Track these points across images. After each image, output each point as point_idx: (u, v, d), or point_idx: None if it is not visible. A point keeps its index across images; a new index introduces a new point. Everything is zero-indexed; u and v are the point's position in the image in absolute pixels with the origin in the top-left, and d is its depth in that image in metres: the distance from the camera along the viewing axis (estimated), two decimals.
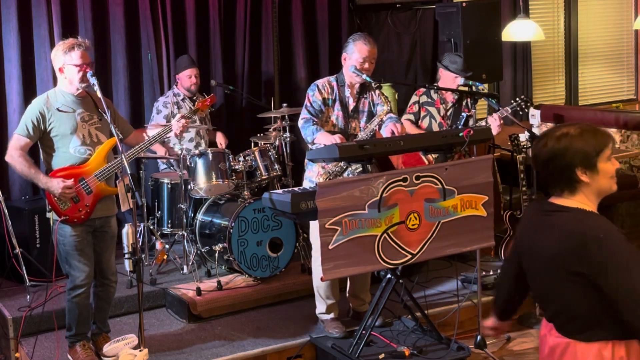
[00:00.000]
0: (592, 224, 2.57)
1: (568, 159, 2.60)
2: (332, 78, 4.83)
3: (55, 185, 4.19)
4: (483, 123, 5.35)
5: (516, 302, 2.99)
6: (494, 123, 5.30)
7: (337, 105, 4.77)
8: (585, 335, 2.59)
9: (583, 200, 2.64)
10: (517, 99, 5.68)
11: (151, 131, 4.64)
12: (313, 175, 4.75)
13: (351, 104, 4.80)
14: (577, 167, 2.60)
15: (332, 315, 4.78)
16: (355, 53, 4.70)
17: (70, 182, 4.22)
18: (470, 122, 5.01)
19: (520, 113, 5.75)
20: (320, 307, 4.81)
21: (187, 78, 6.08)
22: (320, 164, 4.73)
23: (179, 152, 5.51)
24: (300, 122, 4.73)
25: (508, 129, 6.00)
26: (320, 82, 4.81)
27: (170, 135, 4.60)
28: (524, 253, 2.79)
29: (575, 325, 2.61)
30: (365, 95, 4.84)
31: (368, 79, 4.69)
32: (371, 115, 4.83)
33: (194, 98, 6.06)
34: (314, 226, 4.68)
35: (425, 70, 7.37)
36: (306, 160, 4.86)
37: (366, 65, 4.70)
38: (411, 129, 5.47)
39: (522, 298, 2.97)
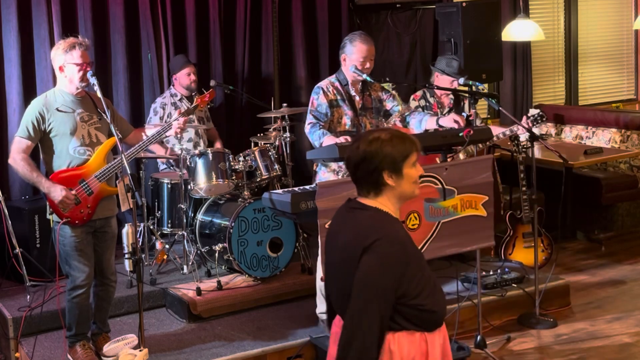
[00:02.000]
0: (380, 224, 2.73)
1: (376, 162, 2.73)
2: (332, 79, 4.82)
3: (58, 192, 4.18)
4: (501, 135, 5.40)
5: None
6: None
7: (346, 105, 4.77)
8: None
9: (384, 202, 2.79)
10: (535, 114, 5.67)
11: (150, 130, 4.63)
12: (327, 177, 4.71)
13: (358, 102, 4.81)
14: (384, 171, 2.74)
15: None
16: (355, 53, 4.70)
17: (72, 192, 4.21)
18: (478, 122, 5.03)
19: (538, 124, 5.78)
20: (322, 306, 4.81)
21: (185, 76, 6.08)
22: (331, 169, 4.71)
23: (179, 152, 5.51)
24: (306, 128, 4.70)
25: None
26: (323, 84, 4.79)
27: (170, 135, 4.59)
28: (327, 251, 2.92)
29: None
30: (367, 92, 4.85)
31: (369, 78, 4.70)
32: (378, 111, 4.85)
33: (193, 95, 6.05)
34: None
35: (425, 70, 7.37)
36: (316, 165, 4.84)
37: (367, 65, 4.71)
38: None
39: None
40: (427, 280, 2.75)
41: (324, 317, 4.80)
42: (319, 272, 4.62)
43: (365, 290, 2.65)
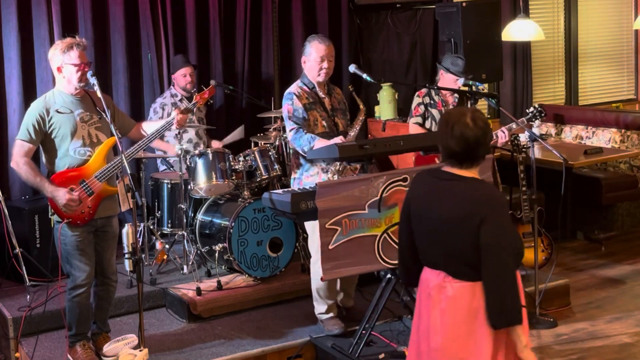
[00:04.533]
0: (490, 193, 3.09)
1: (489, 138, 3.12)
2: (299, 83, 4.81)
3: (62, 196, 4.18)
4: (492, 135, 5.37)
5: (419, 264, 3.29)
6: (502, 138, 5.36)
7: (319, 107, 4.77)
8: (475, 276, 3.05)
9: (475, 173, 3.15)
10: (533, 109, 5.66)
11: (150, 127, 4.60)
12: (313, 180, 4.70)
13: (328, 103, 4.83)
14: (487, 145, 3.13)
15: (331, 314, 4.80)
16: (313, 53, 4.72)
17: (76, 195, 4.21)
18: None
19: (536, 120, 5.77)
20: (320, 307, 4.81)
21: (182, 77, 6.08)
22: (319, 169, 4.71)
23: (179, 152, 5.51)
24: (290, 135, 4.68)
25: None
26: (293, 89, 4.77)
27: (172, 130, 4.58)
28: (416, 215, 3.21)
29: (468, 270, 3.07)
30: (332, 94, 4.89)
31: (369, 78, 4.72)
32: (344, 112, 4.90)
33: (192, 92, 6.04)
34: (311, 227, 4.70)
35: (425, 70, 7.38)
36: (295, 172, 4.82)
37: (325, 64, 4.73)
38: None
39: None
40: None
41: (323, 317, 4.80)
42: (316, 273, 4.65)
43: (500, 253, 2.99)
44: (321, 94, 4.81)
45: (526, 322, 3.14)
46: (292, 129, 4.66)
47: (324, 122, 4.75)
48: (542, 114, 5.68)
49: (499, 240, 3.00)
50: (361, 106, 4.90)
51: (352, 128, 4.86)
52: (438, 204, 3.13)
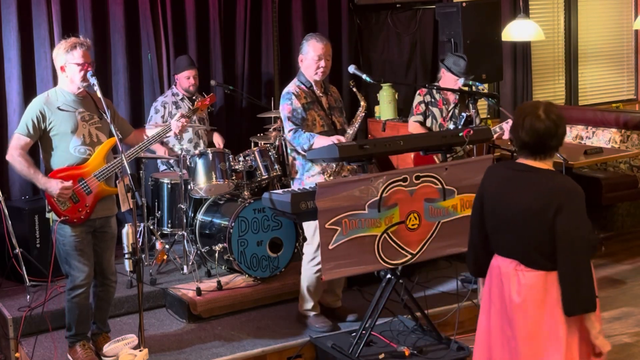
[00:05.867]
0: (563, 184, 3.16)
1: (563, 130, 3.19)
2: (297, 82, 4.81)
3: (54, 186, 4.19)
4: (497, 129, 5.36)
5: (489, 255, 3.41)
6: (508, 130, 5.34)
7: (317, 106, 4.77)
8: (548, 266, 3.15)
9: (549, 164, 3.23)
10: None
11: (150, 131, 4.64)
12: (316, 181, 4.69)
13: (325, 102, 4.84)
14: (562, 137, 3.21)
15: (317, 312, 4.89)
16: (311, 52, 4.72)
17: (68, 183, 4.22)
18: (477, 121, 5.02)
19: None
20: (308, 304, 4.87)
21: (185, 79, 6.09)
22: (317, 172, 4.71)
23: (179, 152, 5.50)
24: (289, 135, 4.68)
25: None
26: (292, 89, 4.77)
27: (169, 135, 4.60)
28: (490, 206, 3.30)
29: (542, 259, 3.16)
30: (328, 92, 4.90)
31: (368, 79, 4.71)
32: (340, 110, 4.90)
33: (193, 98, 6.06)
34: (307, 226, 4.70)
35: (425, 70, 7.37)
36: (295, 173, 4.82)
37: (322, 63, 4.73)
38: (420, 132, 5.45)
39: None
40: None
41: (310, 314, 4.88)
42: (308, 271, 4.75)
43: (576, 242, 3.11)
44: (318, 93, 4.82)
45: (599, 310, 3.21)
46: (291, 130, 4.66)
47: (322, 122, 4.75)
48: None
49: (575, 230, 3.11)
50: (362, 102, 4.89)
51: (351, 125, 4.86)
52: (513, 195, 3.23)
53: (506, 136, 5.39)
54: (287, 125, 4.70)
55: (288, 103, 4.71)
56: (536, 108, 3.18)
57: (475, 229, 3.46)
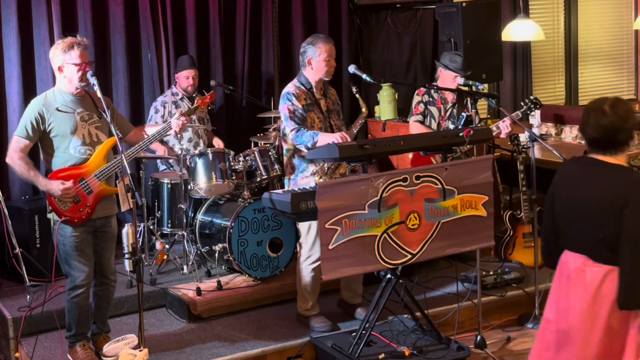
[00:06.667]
0: (633, 174, 3.21)
1: (631, 124, 3.19)
2: (297, 83, 4.81)
3: (55, 187, 4.19)
4: (494, 127, 5.35)
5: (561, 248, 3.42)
6: (504, 129, 5.33)
7: (315, 108, 4.78)
8: (616, 261, 3.16)
9: (622, 159, 3.24)
10: (527, 100, 5.64)
11: (150, 130, 4.63)
12: (309, 182, 4.70)
13: (324, 104, 4.84)
14: (634, 131, 3.20)
15: (316, 311, 4.88)
16: (322, 53, 4.74)
17: (69, 183, 4.21)
18: (477, 121, 5.02)
19: (532, 114, 5.77)
20: (306, 304, 4.88)
21: (184, 79, 6.09)
22: (313, 170, 4.71)
23: (179, 152, 5.50)
24: (292, 134, 4.67)
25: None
26: (292, 89, 4.77)
27: (170, 134, 4.60)
28: (561, 200, 3.34)
29: (610, 254, 3.18)
30: (327, 95, 4.90)
31: (369, 79, 4.72)
32: (338, 113, 4.91)
33: (194, 96, 6.05)
34: (302, 225, 4.71)
35: (425, 70, 7.37)
36: (291, 173, 4.82)
37: (331, 62, 4.79)
38: (421, 131, 5.45)
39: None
40: None
41: (309, 314, 4.89)
42: (304, 270, 4.77)
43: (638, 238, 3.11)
44: (317, 95, 4.82)
45: None
46: (294, 129, 4.66)
47: (320, 124, 4.76)
48: (538, 105, 5.64)
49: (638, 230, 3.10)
50: (363, 109, 4.90)
51: (349, 130, 4.86)
52: (583, 189, 3.26)
53: (503, 135, 5.39)
54: (289, 125, 4.70)
55: (289, 103, 4.72)
56: (602, 103, 3.21)
57: (547, 222, 3.49)
